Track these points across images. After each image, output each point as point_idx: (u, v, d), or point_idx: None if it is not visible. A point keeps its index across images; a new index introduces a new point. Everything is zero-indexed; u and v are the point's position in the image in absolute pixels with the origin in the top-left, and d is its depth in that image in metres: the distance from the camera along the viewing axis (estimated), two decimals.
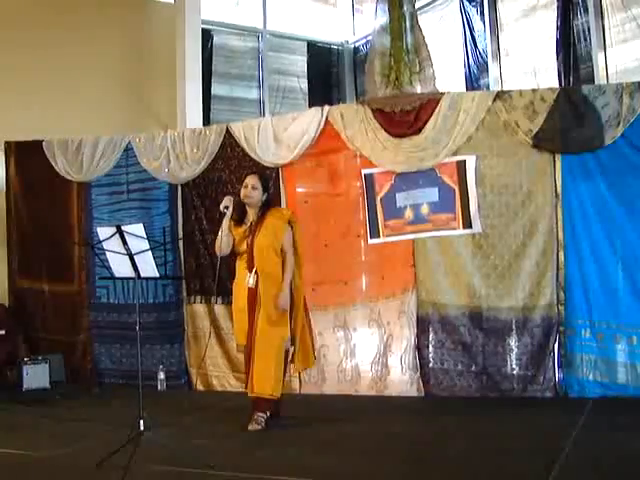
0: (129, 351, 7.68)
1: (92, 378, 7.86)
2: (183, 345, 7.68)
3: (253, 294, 5.57)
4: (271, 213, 5.72)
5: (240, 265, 5.74)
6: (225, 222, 5.64)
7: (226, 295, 6.86)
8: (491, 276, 6.49)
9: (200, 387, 7.50)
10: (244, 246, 5.67)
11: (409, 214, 6.79)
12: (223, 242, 5.66)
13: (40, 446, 5.15)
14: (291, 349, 5.66)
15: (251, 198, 5.65)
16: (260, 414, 5.46)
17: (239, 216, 5.72)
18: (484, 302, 6.51)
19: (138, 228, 5.08)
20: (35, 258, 8.22)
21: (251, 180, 5.69)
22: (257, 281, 5.55)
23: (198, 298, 7.60)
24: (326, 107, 7.14)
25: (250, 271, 5.59)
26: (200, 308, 7.56)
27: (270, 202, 5.92)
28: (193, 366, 7.60)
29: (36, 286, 8.24)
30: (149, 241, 5.10)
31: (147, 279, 5.45)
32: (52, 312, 8.16)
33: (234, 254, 5.81)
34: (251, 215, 5.73)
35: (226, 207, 5.62)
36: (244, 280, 5.62)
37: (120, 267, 5.22)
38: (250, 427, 5.41)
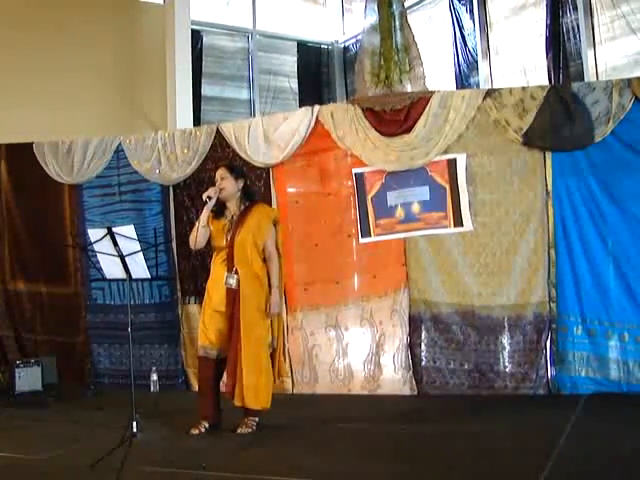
0: (129, 351, 7.67)
1: (90, 379, 7.86)
2: (179, 345, 7.67)
3: (233, 295, 5.33)
4: (256, 209, 5.55)
5: (217, 262, 5.53)
6: (205, 213, 5.41)
7: None
8: (482, 274, 6.50)
9: (197, 387, 7.49)
10: (222, 241, 5.45)
11: (400, 213, 6.79)
12: (200, 234, 5.41)
13: (32, 448, 5.12)
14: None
15: (224, 189, 5.43)
16: (252, 418, 5.38)
17: (218, 208, 5.49)
18: (476, 300, 6.52)
19: (129, 230, 5.07)
20: (29, 260, 8.18)
21: (218, 172, 5.51)
22: (238, 281, 5.33)
23: (192, 299, 7.57)
24: (316, 107, 7.14)
25: (229, 270, 5.36)
26: (194, 309, 7.52)
27: (252, 192, 5.77)
28: (190, 366, 7.58)
29: (30, 288, 8.19)
30: (140, 242, 5.09)
31: (138, 280, 5.43)
32: (48, 314, 8.11)
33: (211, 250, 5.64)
34: (232, 208, 5.53)
35: (209, 197, 5.38)
36: (221, 278, 5.40)
37: (111, 269, 5.22)
38: (240, 430, 5.32)
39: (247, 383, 5.24)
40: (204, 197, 5.42)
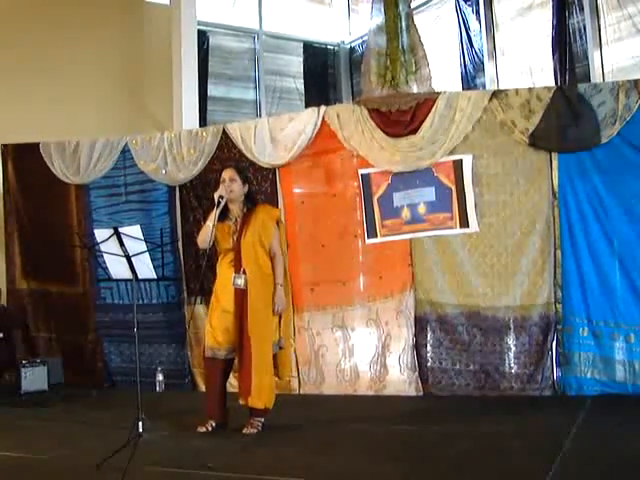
0: (135, 351, 7.68)
1: (101, 377, 7.92)
2: (186, 345, 7.68)
3: (242, 296, 5.37)
4: (259, 210, 5.58)
5: (223, 264, 5.55)
6: (216, 212, 5.39)
7: None
8: (488, 275, 6.50)
9: (203, 388, 7.49)
10: (228, 243, 5.49)
11: (406, 214, 6.79)
12: (212, 232, 5.39)
13: (38, 448, 5.14)
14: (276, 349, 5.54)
15: (232, 192, 5.45)
16: (258, 419, 5.40)
17: (221, 211, 5.46)
18: (482, 301, 6.52)
19: (135, 230, 5.08)
20: (37, 260, 8.22)
21: (227, 173, 5.52)
22: (246, 281, 5.36)
23: (198, 299, 7.56)
24: (322, 107, 7.14)
25: (237, 271, 5.40)
26: (200, 309, 7.52)
27: (254, 196, 5.79)
28: (195, 367, 7.60)
29: (39, 288, 8.25)
30: (147, 243, 5.10)
31: (146, 280, 5.42)
32: (58, 313, 8.15)
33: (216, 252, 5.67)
34: (235, 211, 5.55)
35: (221, 197, 5.39)
36: (229, 279, 5.43)
37: (118, 269, 5.22)
38: (245, 431, 5.34)
39: (254, 382, 5.29)
40: (216, 197, 5.41)
